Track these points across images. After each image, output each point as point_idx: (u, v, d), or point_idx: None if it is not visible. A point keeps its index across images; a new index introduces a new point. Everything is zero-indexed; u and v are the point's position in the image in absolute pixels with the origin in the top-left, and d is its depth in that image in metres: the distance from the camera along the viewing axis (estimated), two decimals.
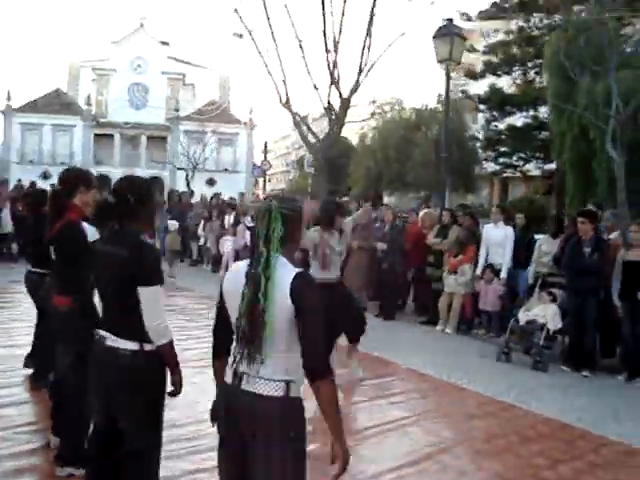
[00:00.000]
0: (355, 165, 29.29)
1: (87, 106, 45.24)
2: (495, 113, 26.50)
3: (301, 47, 14.56)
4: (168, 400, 3.13)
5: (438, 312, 9.15)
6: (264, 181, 38.07)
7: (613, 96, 12.70)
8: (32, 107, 44.37)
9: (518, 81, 26.28)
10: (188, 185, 24.17)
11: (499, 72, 25.92)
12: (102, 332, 3.15)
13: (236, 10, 15.05)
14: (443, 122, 25.55)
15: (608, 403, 6.00)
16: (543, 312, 7.36)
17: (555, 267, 7.93)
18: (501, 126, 25.83)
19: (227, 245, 14.31)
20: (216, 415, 2.61)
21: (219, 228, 14.77)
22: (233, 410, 2.48)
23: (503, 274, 8.68)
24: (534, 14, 24.91)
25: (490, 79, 25.74)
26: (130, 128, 45.71)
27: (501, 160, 26.63)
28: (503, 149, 25.57)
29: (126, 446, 3.04)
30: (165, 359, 3.06)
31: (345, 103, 14.80)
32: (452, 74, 29.63)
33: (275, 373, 2.42)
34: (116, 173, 45.98)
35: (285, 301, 2.36)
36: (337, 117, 14.78)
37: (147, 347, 3.03)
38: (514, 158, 26.79)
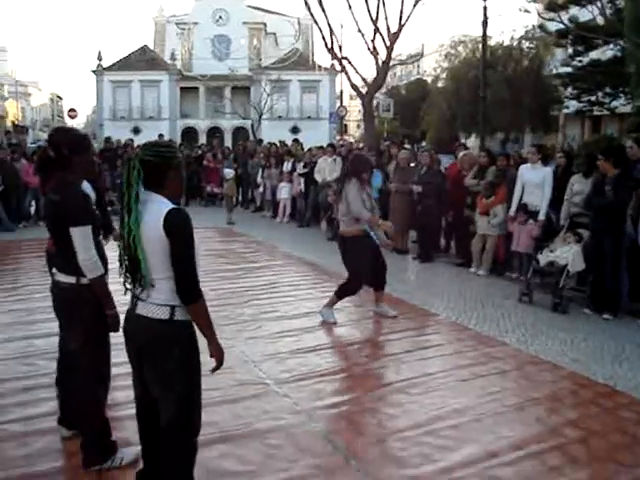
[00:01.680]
0: (428, 107, 28.61)
1: (172, 61, 46.44)
2: (580, 47, 24.83)
3: None
4: None
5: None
6: (342, 126, 37.79)
7: None
8: (121, 65, 46.07)
9: (606, 10, 24.37)
10: (253, 134, 24.53)
11: (583, 1, 24.12)
12: (53, 269, 3.57)
13: None
14: (518, 58, 24.52)
15: (612, 346, 5.83)
16: (565, 253, 7.18)
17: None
18: (585, 61, 24.22)
19: (283, 192, 14.61)
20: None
21: (277, 175, 15.04)
22: (129, 331, 2.87)
23: (541, 216, 8.42)
24: None
25: (573, 10, 24.02)
26: (214, 80, 46.54)
27: (585, 98, 25.08)
28: (585, 86, 24.04)
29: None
30: (96, 292, 3.37)
31: (391, 43, 14.46)
32: (535, 6, 27.91)
33: (160, 299, 2.75)
34: (202, 124, 47.49)
35: (160, 232, 2.65)
36: (383, 61, 14.53)
37: (83, 281, 3.38)
38: (600, 95, 25.14)
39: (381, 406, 4.39)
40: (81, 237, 3.33)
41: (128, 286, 2.82)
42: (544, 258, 7.33)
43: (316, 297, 7.49)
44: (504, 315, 6.78)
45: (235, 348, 5.57)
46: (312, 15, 15.92)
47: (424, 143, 24.63)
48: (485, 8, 9.59)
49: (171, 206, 2.69)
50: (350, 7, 14.96)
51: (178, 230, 2.66)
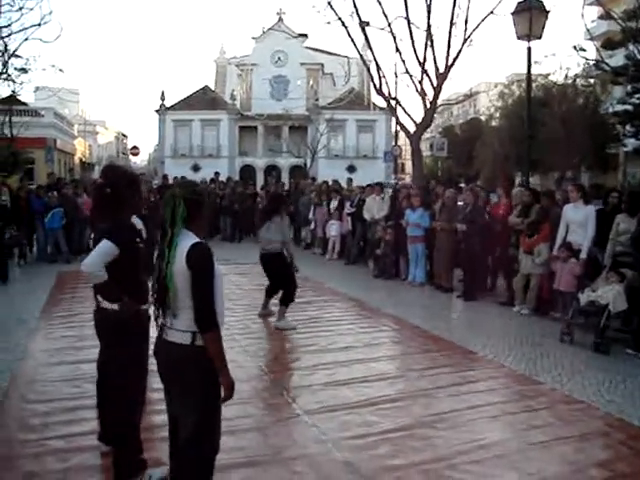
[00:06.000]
0: (481, 147, 28.53)
1: (232, 101, 47.95)
2: (638, 85, 24.45)
3: (392, 33, 14.68)
4: None
5: None
6: (398, 165, 37.87)
7: None
8: (183, 105, 47.84)
9: None
10: (306, 172, 24.96)
11: None
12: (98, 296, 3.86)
13: (329, 3, 15.42)
14: (571, 98, 24.25)
15: None
16: (607, 293, 7.09)
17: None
18: None
19: (333, 229, 14.84)
20: None
21: (326, 213, 15.31)
22: (158, 356, 3.12)
23: (583, 254, 8.35)
24: None
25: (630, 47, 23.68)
26: (271, 119, 47.72)
27: None
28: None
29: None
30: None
31: (439, 84, 14.65)
32: (591, 43, 27.70)
33: (183, 325, 2.97)
34: (260, 162, 48.50)
35: (183, 265, 2.89)
36: (430, 102, 14.73)
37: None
38: None
39: (406, 439, 4.45)
40: (100, 248, 3.59)
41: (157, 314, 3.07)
42: (585, 297, 7.26)
43: (355, 332, 7.61)
44: (542, 354, 6.73)
45: (269, 379, 5.75)
46: (362, 57, 16.37)
47: (478, 182, 24.45)
48: (529, 49, 9.65)
49: (195, 240, 2.93)
50: (398, 50, 15.25)
51: (198, 263, 2.88)
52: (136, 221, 4.45)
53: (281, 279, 8.01)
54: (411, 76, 15.42)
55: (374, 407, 5.06)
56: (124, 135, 76.14)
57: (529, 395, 5.42)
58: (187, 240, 2.92)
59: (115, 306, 3.71)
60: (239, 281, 11.25)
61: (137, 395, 3.80)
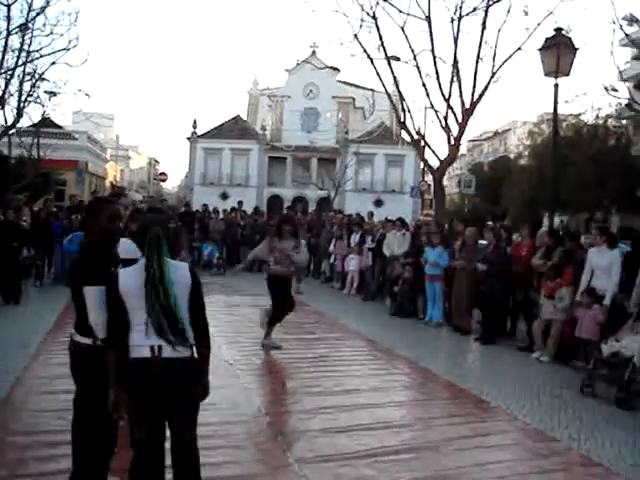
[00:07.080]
0: (510, 186, 28.07)
1: (262, 131, 48.34)
2: None
3: (417, 66, 14.53)
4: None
5: None
6: (426, 201, 37.60)
7: None
8: (214, 133, 48.35)
9: None
10: (330, 205, 24.82)
11: None
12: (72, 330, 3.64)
13: (356, 36, 15.38)
14: (602, 138, 23.79)
15: None
16: (633, 344, 6.66)
17: None
18: None
19: (352, 264, 14.54)
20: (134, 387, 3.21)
21: (345, 247, 15.04)
22: (156, 375, 3.13)
23: (606, 301, 7.94)
24: None
25: None
26: (300, 151, 47.93)
27: None
28: None
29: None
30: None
31: (463, 120, 14.44)
32: (624, 84, 27.30)
33: (183, 341, 3.17)
34: (288, 193, 48.56)
35: (188, 282, 3.17)
36: (455, 138, 14.50)
37: (100, 342, 3.41)
38: None
39: None
40: (92, 300, 3.38)
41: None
42: (608, 348, 6.83)
43: (364, 374, 7.27)
44: (560, 407, 6.29)
45: (265, 422, 5.44)
46: (386, 90, 16.28)
47: (505, 221, 24.00)
48: (556, 86, 9.39)
49: (180, 263, 3.26)
50: (423, 84, 15.09)
51: (198, 280, 3.24)
52: (129, 247, 4.24)
53: (275, 295, 8.12)
54: (436, 111, 15.21)
55: (372, 459, 4.70)
56: (156, 161, 77.27)
57: (542, 454, 5.00)
58: (175, 263, 3.22)
59: (88, 340, 3.47)
60: (251, 313, 10.94)
61: (108, 438, 3.53)
